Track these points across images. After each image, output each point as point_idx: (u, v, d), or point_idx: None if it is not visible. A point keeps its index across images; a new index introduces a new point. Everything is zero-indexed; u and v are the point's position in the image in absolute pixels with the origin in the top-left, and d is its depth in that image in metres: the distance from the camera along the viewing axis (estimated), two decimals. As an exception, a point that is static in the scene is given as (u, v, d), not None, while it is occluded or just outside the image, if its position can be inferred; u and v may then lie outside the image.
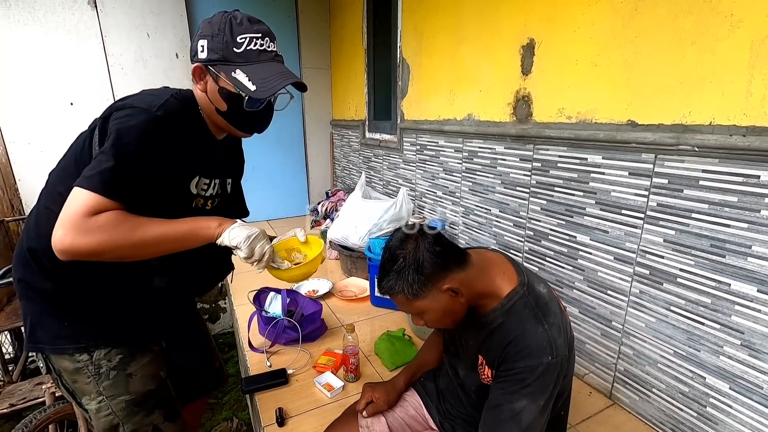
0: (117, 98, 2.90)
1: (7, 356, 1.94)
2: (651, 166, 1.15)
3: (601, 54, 1.26)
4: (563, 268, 1.49)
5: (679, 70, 1.06)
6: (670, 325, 1.16)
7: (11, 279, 1.19)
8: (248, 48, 0.85)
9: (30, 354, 1.90)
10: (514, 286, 0.90)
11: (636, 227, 1.22)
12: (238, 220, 0.92)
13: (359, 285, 2.19)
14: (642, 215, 1.19)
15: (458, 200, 2.07)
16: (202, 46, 0.86)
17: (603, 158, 1.29)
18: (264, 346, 1.62)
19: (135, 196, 0.78)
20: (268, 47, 0.89)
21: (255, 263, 0.93)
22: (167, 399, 1.04)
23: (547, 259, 1.55)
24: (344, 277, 2.31)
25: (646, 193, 1.18)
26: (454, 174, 2.08)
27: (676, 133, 1.07)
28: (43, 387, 1.18)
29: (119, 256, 0.79)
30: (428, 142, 2.27)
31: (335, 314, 1.92)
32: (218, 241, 0.87)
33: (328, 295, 2.10)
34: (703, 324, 1.08)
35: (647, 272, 1.20)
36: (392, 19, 2.50)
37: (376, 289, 0.92)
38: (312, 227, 2.96)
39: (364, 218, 2.22)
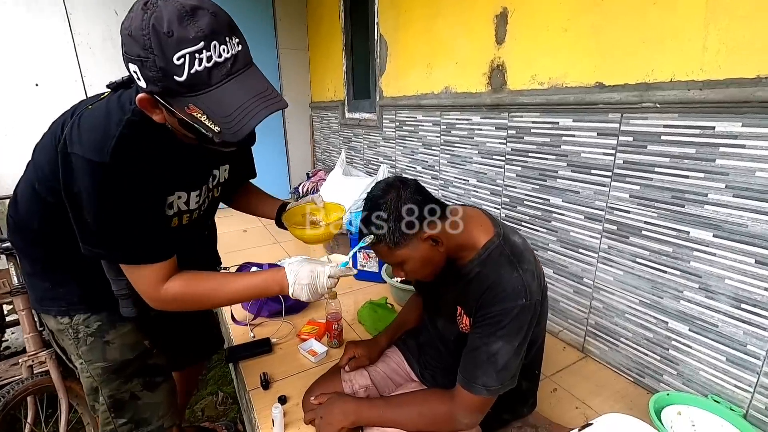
0: (88, 82, 2.78)
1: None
2: (617, 125, 1.21)
3: (571, 19, 1.30)
4: (538, 231, 1.54)
5: (643, 31, 1.11)
6: (636, 276, 1.23)
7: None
8: (192, 72, 0.62)
9: (4, 335, 1.86)
10: (490, 236, 0.94)
11: (604, 185, 1.27)
12: (287, 269, 0.89)
13: (342, 260, 2.21)
14: (609, 173, 1.25)
15: (437, 173, 2.10)
16: (136, 73, 0.66)
17: (573, 121, 1.34)
18: (247, 320, 1.63)
19: (154, 242, 0.82)
20: (220, 57, 0.64)
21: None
22: (148, 368, 1.02)
23: (523, 223, 1.60)
24: (327, 253, 2.32)
25: (613, 151, 1.23)
26: (432, 148, 2.11)
27: (640, 92, 1.12)
28: (20, 361, 1.16)
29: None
30: (407, 117, 2.29)
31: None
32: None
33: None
34: (665, 272, 1.15)
35: (615, 228, 1.27)
36: (369, -5, 2.49)
37: (358, 237, 0.93)
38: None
39: (345, 195, 2.24)
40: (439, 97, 1.99)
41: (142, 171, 0.75)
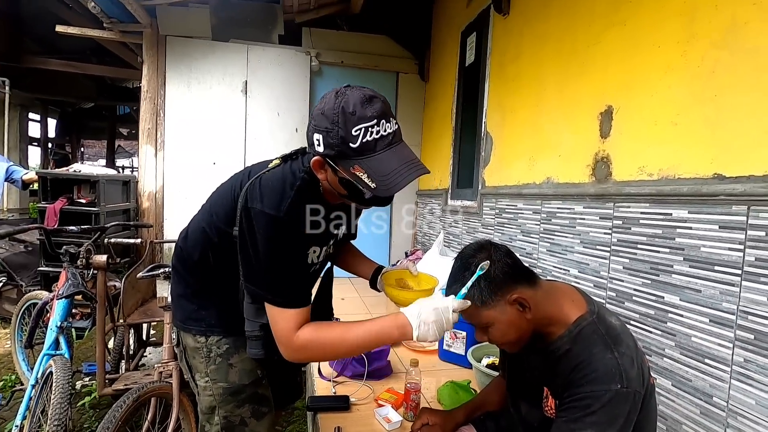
0: (248, 164, 3.58)
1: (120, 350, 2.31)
2: (744, 218, 1.10)
3: (681, 114, 1.30)
4: (651, 332, 1.36)
5: (764, 122, 1.06)
6: (788, 401, 0.98)
7: (156, 272, 1.52)
8: (364, 140, 0.81)
9: (146, 351, 2.24)
10: (583, 312, 0.90)
11: (733, 285, 1.11)
12: (407, 313, 0.91)
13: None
14: (739, 271, 1.10)
15: (535, 261, 2.04)
16: (318, 140, 0.85)
17: (689, 212, 1.25)
18: (331, 376, 1.69)
19: (301, 291, 0.94)
20: (385, 131, 0.83)
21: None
22: (259, 397, 1.11)
23: (632, 322, 1.43)
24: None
25: (741, 247, 1.10)
26: (531, 235, 2.10)
27: (769, 183, 1.03)
28: (155, 366, 1.41)
29: None
30: (507, 205, 2.35)
31: (401, 361, 1.93)
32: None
33: (397, 344, 2.13)
34: (831, 402, 0.91)
35: (752, 336, 1.07)
36: (479, 99, 2.80)
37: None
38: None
39: (438, 273, 2.29)
40: (541, 186, 2.03)
41: (302, 227, 0.93)
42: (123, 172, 9.86)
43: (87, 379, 2.32)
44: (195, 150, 3.41)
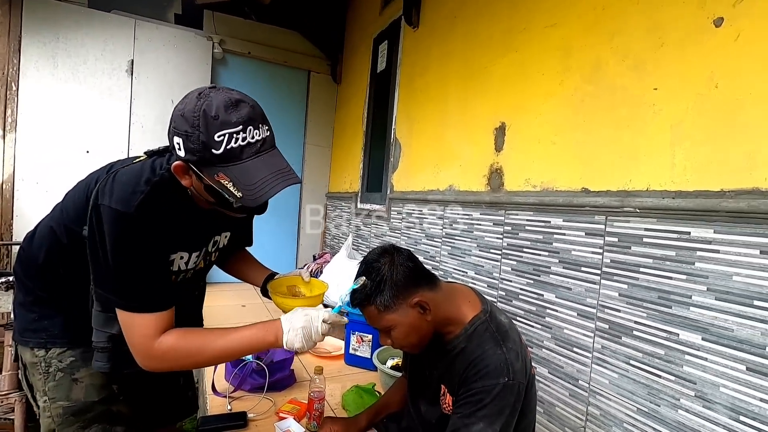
0: (132, 154, 3.12)
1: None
2: (603, 226, 1.30)
3: (558, 134, 1.50)
4: (533, 326, 1.53)
5: (619, 147, 1.27)
6: (631, 379, 1.19)
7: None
8: (228, 147, 0.76)
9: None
10: (477, 312, 0.97)
11: (595, 283, 1.31)
12: (282, 318, 0.91)
13: (334, 344, 2.15)
14: (599, 271, 1.30)
15: (437, 264, 2.16)
16: (178, 144, 0.79)
17: (563, 221, 1.44)
18: (227, 391, 1.55)
19: (156, 295, 0.86)
20: (252, 138, 0.79)
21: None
22: (110, 415, 0.99)
23: (518, 318, 1.60)
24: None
25: (601, 250, 1.30)
26: (434, 239, 2.21)
27: (621, 197, 1.24)
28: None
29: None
30: (413, 210, 2.45)
31: (306, 369, 1.86)
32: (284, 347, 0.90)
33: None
34: (660, 377, 1.12)
35: (607, 326, 1.26)
36: (389, 107, 2.87)
37: (350, 302, 0.97)
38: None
39: (346, 276, 2.28)
40: (444, 193, 2.16)
41: (158, 226, 0.84)
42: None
43: None
44: (61, 134, 2.86)
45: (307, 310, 0.92)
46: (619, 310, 1.23)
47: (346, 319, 0.95)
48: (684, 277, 1.07)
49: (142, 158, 0.94)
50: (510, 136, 1.74)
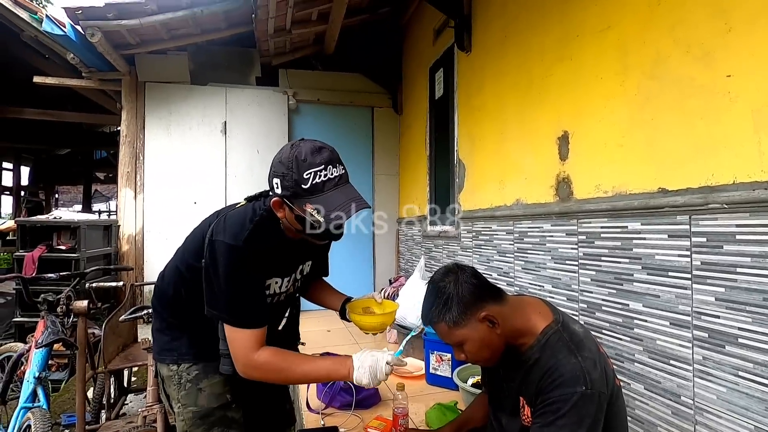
0: (229, 200, 3.63)
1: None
2: (687, 226, 1.21)
3: (625, 136, 1.44)
4: (621, 339, 1.44)
5: (694, 141, 1.20)
6: (744, 394, 1.06)
7: (138, 315, 1.53)
8: (314, 182, 0.96)
9: (126, 399, 2.17)
10: (549, 322, 0.98)
11: (686, 288, 1.21)
12: (354, 356, 1.06)
13: (415, 365, 2.20)
14: (689, 275, 1.20)
15: (512, 280, 2.12)
16: (277, 184, 1.00)
17: (641, 224, 1.36)
18: (319, 408, 1.69)
19: (258, 314, 1.04)
20: (332, 174, 0.99)
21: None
22: (228, 420, 1.16)
23: (603, 331, 1.51)
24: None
25: (688, 252, 1.21)
26: (506, 255, 2.19)
27: (704, 194, 1.15)
28: (139, 411, 1.39)
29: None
30: (482, 228, 2.45)
31: (390, 389, 1.94)
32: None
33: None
34: (778, 390, 0.99)
35: (706, 335, 1.15)
36: (450, 129, 2.96)
37: (422, 321, 1.05)
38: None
39: (421, 297, 2.33)
40: (511, 208, 2.15)
41: (260, 256, 1.03)
42: (100, 216, 9.65)
43: (66, 431, 2.22)
44: (175, 190, 3.43)
45: (374, 351, 1.06)
46: (718, 317, 1.12)
47: (406, 362, 1.08)
48: (791, 274, 0.96)
49: (243, 203, 1.16)
50: (574, 144, 1.70)
